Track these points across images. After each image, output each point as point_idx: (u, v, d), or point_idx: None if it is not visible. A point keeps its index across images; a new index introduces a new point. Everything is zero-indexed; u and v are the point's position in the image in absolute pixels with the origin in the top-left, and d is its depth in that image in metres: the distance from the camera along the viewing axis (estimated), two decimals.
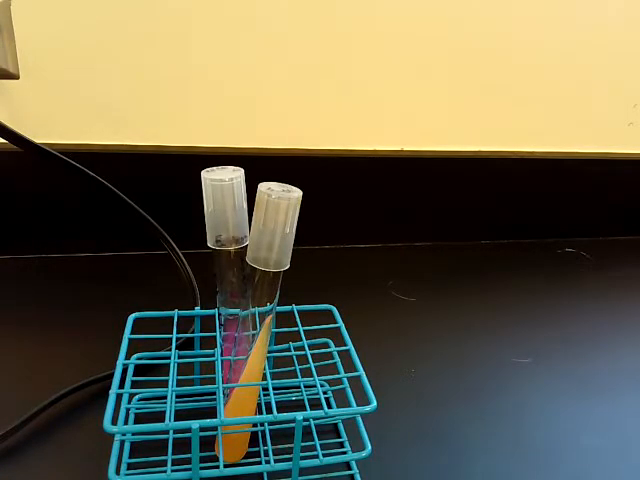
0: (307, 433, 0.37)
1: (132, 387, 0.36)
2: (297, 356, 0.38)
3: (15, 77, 0.52)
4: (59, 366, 0.44)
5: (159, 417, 0.35)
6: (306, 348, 0.36)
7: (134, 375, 0.36)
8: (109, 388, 0.31)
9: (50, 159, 0.50)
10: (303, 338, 0.37)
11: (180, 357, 0.38)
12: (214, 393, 0.39)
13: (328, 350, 0.39)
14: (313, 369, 0.35)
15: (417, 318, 0.55)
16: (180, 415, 0.39)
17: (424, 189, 0.68)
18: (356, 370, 0.35)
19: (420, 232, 0.71)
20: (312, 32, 0.58)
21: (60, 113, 0.56)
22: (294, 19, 0.57)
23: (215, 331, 0.37)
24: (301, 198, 0.30)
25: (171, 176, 0.59)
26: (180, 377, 0.35)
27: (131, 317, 0.38)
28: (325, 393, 0.42)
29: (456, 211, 0.70)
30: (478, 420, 0.42)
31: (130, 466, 0.34)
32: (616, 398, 0.46)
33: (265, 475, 0.35)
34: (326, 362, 0.39)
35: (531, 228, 0.75)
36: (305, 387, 0.41)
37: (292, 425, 0.31)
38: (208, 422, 0.30)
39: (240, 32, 0.56)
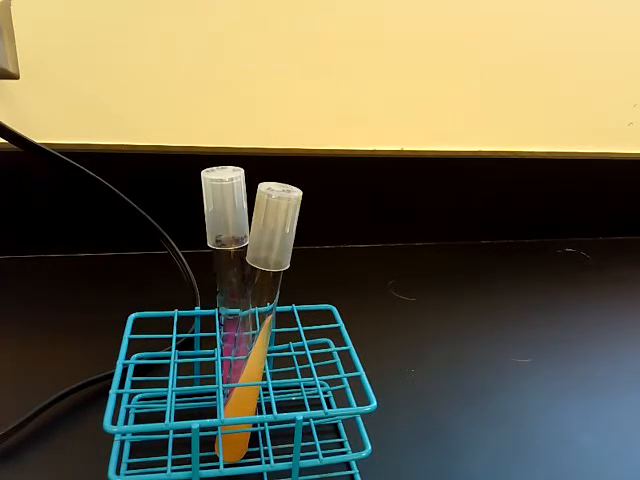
0: (307, 433, 0.37)
1: (132, 387, 0.36)
2: (297, 356, 0.38)
3: (15, 77, 0.52)
4: (59, 366, 0.44)
5: (159, 417, 0.35)
6: (306, 348, 0.36)
7: (134, 375, 0.36)
8: (109, 388, 0.31)
9: (50, 159, 0.50)
10: (303, 338, 0.37)
11: (180, 357, 0.38)
12: (214, 393, 0.39)
13: (328, 350, 0.39)
14: (313, 369, 0.35)
15: (417, 318, 0.55)
16: (180, 415, 0.39)
17: (424, 189, 0.68)
18: (356, 370, 0.35)
19: (420, 232, 0.71)
20: (312, 32, 0.58)
21: (60, 113, 0.56)
22: (294, 19, 0.57)
23: (215, 331, 0.37)
24: (301, 198, 0.30)
25: (171, 176, 0.59)
26: (180, 377, 0.35)
27: (131, 317, 0.38)
28: (325, 393, 0.42)
29: (456, 211, 0.70)
30: (478, 420, 0.42)
31: (130, 466, 0.34)
32: (616, 398, 0.46)
33: (265, 475, 0.35)
34: (326, 362, 0.39)
35: (531, 228, 0.75)
36: (305, 387, 0.41)
37: (292, 425, 0.31)
38: (208, 422, 0.30)
39: (240, 32, 0.56)
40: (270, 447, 0.35)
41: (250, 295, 0.32)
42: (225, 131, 0.60)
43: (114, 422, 0.29)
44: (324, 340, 0.40)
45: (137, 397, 0.40)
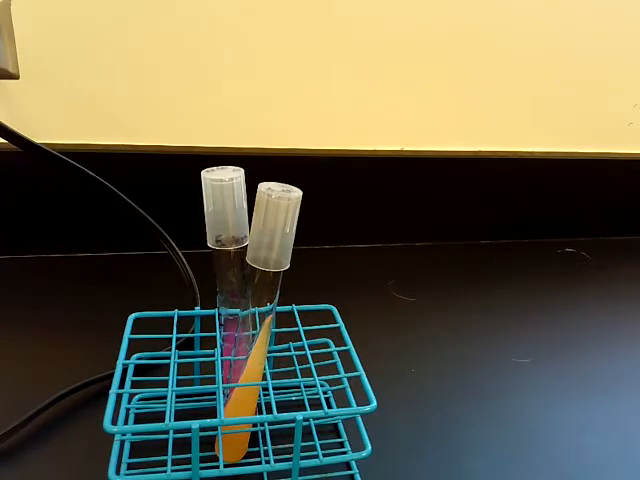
0: (307, 433, 0.37)
1: (132, 387, 0.36)
2: (297, 356, 0.38)
3: (15, 77, 0.52)
4: (59, 366, 0.44)
5: (159, 417, 0.35)
6: (306, 348, 0.36)
7: (134, 375, 0.36)
8: (109, 388, 0.31)
9: (50, 159, 0.50)
10: (303, 338, 0.37)
11: (180, 357, 0.38)
12: (214, 393, 0.39)
13: (328, 350, 0.39)
14: (313, 369, 0.35)
15: (417, 318, 0.55)
16: (180, 415, 0.39)
17: (424, 189, 0.68)
18: (356, 370, 0.35)
19: (420, 232, 0.71)
20: (312, 32, 0.58)
21: (60, 113, 0.56)
22: (294, 19, 0.57)
23: (215, 331, 0.37)
24: (301, 198, 0.30)
25: (171, 176, 0.59)
26: (180, 377, 0.35)
27: (131, 317, 0.38)
28: (325, 393, 0.42)
29: (456, 211, 0.70)
30: (478, 420, 0.42)
31: (130, 466, 0.34)
32: (616, 398, 0.46)
33: (265, 475, 0.35)
34: (326, 362, 0.39)
35: (531, 228, 0.75)
36: (305, 387, 0.41)
37: (292, 425, 0.31)
38: (208, 422, 0.30)
39: (240, 32, 0.56)
40: (270, 447, 0.35)
41: (250, 295, 0.32)
42: (225, 131, 0.60)
43: (114, 422, 0.29)
44: (324, 340, 0.40)
45: (137, 397, 0.40)
